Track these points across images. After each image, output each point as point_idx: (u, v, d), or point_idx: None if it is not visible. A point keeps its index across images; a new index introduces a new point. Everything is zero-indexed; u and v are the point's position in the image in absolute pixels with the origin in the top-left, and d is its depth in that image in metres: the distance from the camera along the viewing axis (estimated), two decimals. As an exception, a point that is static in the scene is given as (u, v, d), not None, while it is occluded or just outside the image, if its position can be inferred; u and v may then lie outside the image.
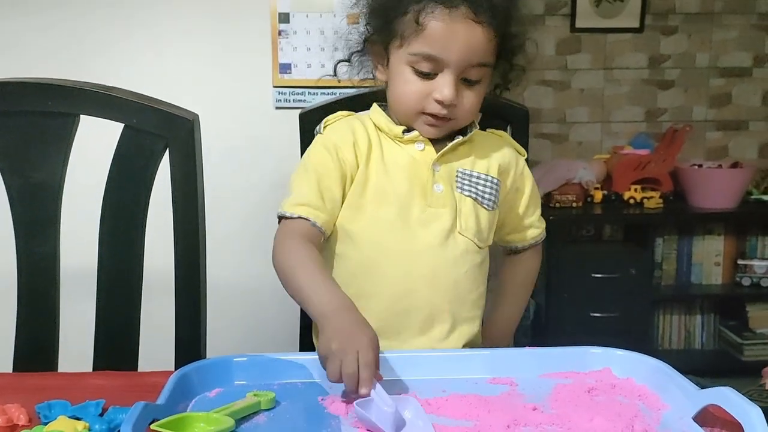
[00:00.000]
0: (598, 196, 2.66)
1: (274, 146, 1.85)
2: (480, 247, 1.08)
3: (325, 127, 1.09)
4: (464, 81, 1.02)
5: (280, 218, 1.04)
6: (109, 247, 1.11)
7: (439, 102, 1.01)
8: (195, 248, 1.10)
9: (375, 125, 1.08)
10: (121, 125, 1.09)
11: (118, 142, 1.09)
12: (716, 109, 2.91)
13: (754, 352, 2.63)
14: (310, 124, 1.26)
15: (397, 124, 1.07)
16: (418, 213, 1.04)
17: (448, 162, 1.07)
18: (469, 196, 1.07)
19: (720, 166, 2.72)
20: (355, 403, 0.76)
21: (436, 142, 1.07)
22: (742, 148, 2.92)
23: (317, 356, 0.86)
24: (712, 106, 2.90)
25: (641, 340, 2.47)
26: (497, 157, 1.11)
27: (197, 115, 1.12)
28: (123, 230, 1.11)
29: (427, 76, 1.01)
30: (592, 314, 2.48)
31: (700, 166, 2.72)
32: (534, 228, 1.19)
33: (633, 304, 2.54)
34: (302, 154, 1.26)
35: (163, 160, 1.10)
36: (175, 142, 1.09)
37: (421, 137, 1.06)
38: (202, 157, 1.12)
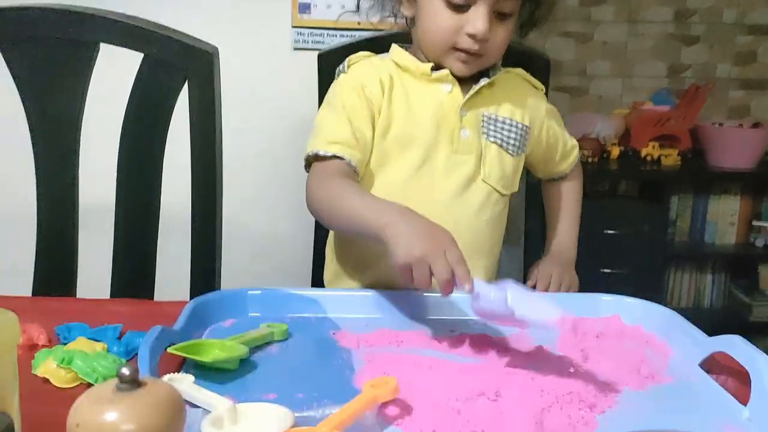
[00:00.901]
0: (615, 151, 2.63)
1: (291, 87, 1.84)
2: (502, 195, 1.08)
3: (349, 66, 1.07)
4: (496, 15, 0.98)
5: (310, 160, 1.00)
6: (126, 179, 1.12)
7: (472, 36, 0.97)
8: (212, 182, 1.11)
9: (397, 65, 1.06)
10: (141, 56, 1.09)
11: (137, 73, 1.09)
12: (740, 66, 2.84)
13: (762, 312, 2.63)
14: (328, 65, 1.25)
15: (422, 62, 1.04)
16: (443, 159, 1.03)
17: (474, 107, 1.04)
18: (494, 142, 1.05)
19: (741, 125, 2.68)
20: (472, 304, 0.77)
21: (462, 84, 1.04)
22: (765, 108, 2.87)
23: (337, 290, 0.87)
24: (737, 64, 2.84)
25: (651, 297, 2.45)
26: (520, 99, 1.09)
27: (217, 48, 1.11)
28: (141, 163, 1.12)
29: (459, 8, 0.97)
30: (602, 270, 2.48)
31: (721, 124, 2.68)
32: (573, 151, 1.20)
33: (645, 261, 2.53)
34: (320, 95, 1.26)
35: (182, 95, 1.10)
36: (195, 74, 1.08)
37: (449, 77, 1.03)
38: (221, 91, 1.12)
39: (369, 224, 0.85)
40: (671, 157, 2.59)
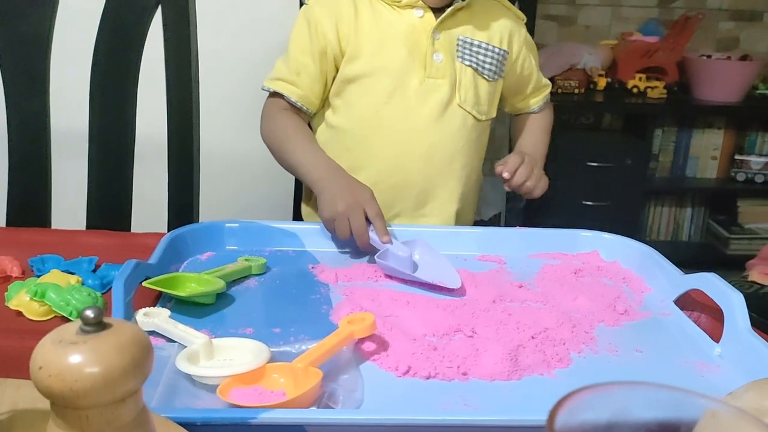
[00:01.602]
0: (602, 83, 2.60)
1: (272, 9, 1.78)
2: (478, 120, 1.06)
3: None
4: None
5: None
6: (100, 106, 1.08)
7: None
8: (188, 111, 1.08)
9: None
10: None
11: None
12: (732, -3, 2.79)
13: (739, 246, 2.67)
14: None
15: None
16: (416, 84, 1.02)
17: (447, 29, 1.03)
18: (470, 66, 1.04)
19: (729, 57, 2.65)
20: (376, 257, 0.81)
21: (436, 10, 1.02)
22: (754, 40, 2.83)
23: (316, 224, 0.89)
24: (729, -6, 2.79)
25: (630, 231, 2.47)
26: (499, 25, 1.07)
27: (191, -31, 1.06)
28: (114, 90, 1.08)
29: None
30: (584, 202, 2.50)
31: (709, 57, 2.65)
32: (544, 88, 1.18)
33: (625, 194, 2.55)
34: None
35: (156, 19, 1.06)
36: (168, -3, 1.04)
37: (419, 2, 1.01)
38: (196, 16, 1.08)
39: (303, 177, 0.98)
40: (657, 90, 2.57)
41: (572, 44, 2.66)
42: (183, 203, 1.10)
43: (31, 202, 1.10)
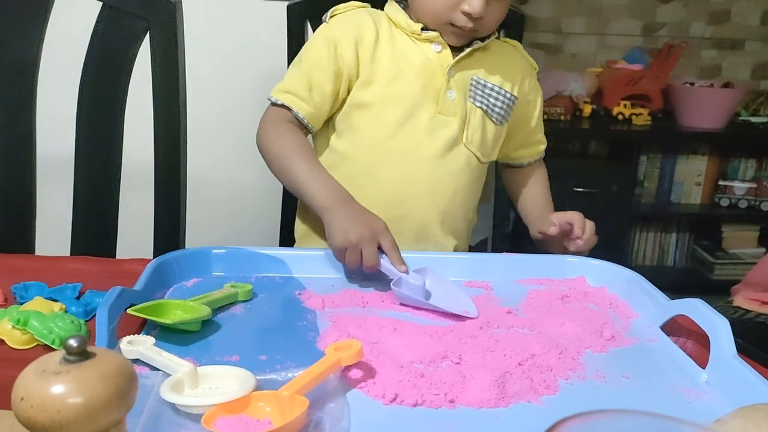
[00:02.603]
0: (587, 110, 2.64)
1: (259, 39, 1.79)
2: (481, 162, 1.06)
3: (331, 16, 1.04)
4: None
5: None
6: (86, 131, 1.08)
7: (467, 14, 0.95)
8: (176, 137, 1.08)
9: (390, 19, 1.03)
10: (99, 4, 1.04)
11: (96, 22, 1.05)
12: (714, 26, 2.84)
13: (724, 271, 2.69)
14: (298, 16, 1.22)
15: (415, 22, 1.02)
16: (427, 119, 1.01)
17: (463, 69, 1.02)
18: (480, 107, 1.04)
19: (712, 85, 2.69)
20: (391, 284, 0.81)
21: (453, 47, 1.02)
22: (736, 67, 2.89)
23: (303, 249, 0.88)
24: (711, 23, 2.84)
25: (616, 256, 2.48)
26: (513, 70, 1.07)
27: (180, -3, 1.07)
28: (101, 114, 1.08)
29: None
30: (570, 227, 2.51)
31: (692, 84, 2.69)
32: (542, 143, 1.17)
33: (611, 220, 2.56)
34: (289, 47, 1.23)
35: (144, 45, 1.06)
36: (157, 25, 1.04)
37: (438, 38, 1.01)
38: (184, 43, 1.08)
39: (311, 201, 0.94)
40: (642, 117, 2.60)
41: (559, 72, 2.70)
42: (170, 228, 1.10)
43: (15, 227, 1.10)
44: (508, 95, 1.05)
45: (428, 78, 1.01)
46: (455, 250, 1.08)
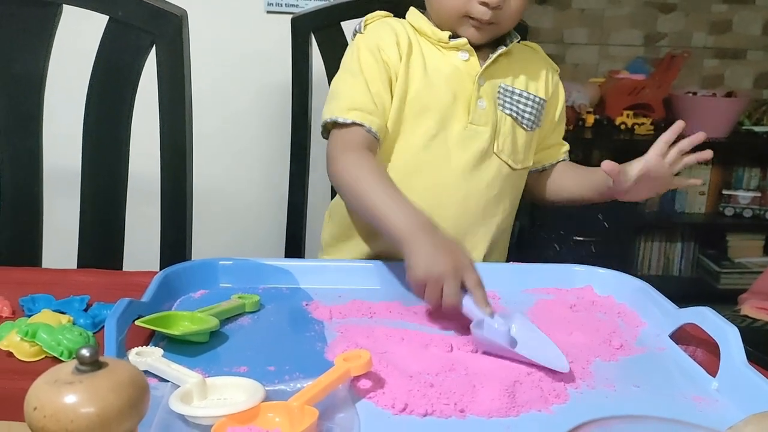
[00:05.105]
0: (590, 120, 2.64)
1: (264, 52, 1.80)
2: (514, 169, 1.04)
3: (365, 26, 1.02)
4: None
5: (329, 127, 0.98)
6: (93, 144, 1.09)
7: (485, 4, 0.94)
8: (182, 150, 1.08)
9: (415, 28, 1.02)
10: (106, 18, 1.05)
11: (102, 37, 1.05)
12: (716, 35, 2.85)
13: (730, 280, 2.69)
14: (302, 29, 1.22)
15: (439, 29, 1.01)
16: (459, 129, 0.99)
17: (491, 77, 1.01)
18: (510, 115, 1.02)
19: (714, 94, 2.70)
20: (471, 327, 0.73)
21: (479, 53, 1.01)
22: (738, 77, 2.89)
23: (310, 260, 0.85)
24: (712, 33, 2.85)
25: (621, 265, 2.48)
26: (537, 74, 1.06)
27: (185, 11, 1.08)
28: (108, 127, 1.09)
29: None
30: (575, 238, 2.51)
31: (695, 93, 2.69)
32: (565, 145, 1.15)
33: (616, 229, 2.56)
34: (294, 60, 1.23)
35: (150, 58, 1.07)
36: (162, 38, 1.05)
37: (466, 46, 1.00)
38: (190, 56, 1.09)
39: (390, 230, 0.85)
40: (645, 126, 2.60)
41: (561, 82, 2.70)
42: (176, 241, 1.10)
43: (23, 241, 1.10)
44: (537, 99, 1.04)
45: (458, 87, 0.99)
46: (486, 260, 1.05)
